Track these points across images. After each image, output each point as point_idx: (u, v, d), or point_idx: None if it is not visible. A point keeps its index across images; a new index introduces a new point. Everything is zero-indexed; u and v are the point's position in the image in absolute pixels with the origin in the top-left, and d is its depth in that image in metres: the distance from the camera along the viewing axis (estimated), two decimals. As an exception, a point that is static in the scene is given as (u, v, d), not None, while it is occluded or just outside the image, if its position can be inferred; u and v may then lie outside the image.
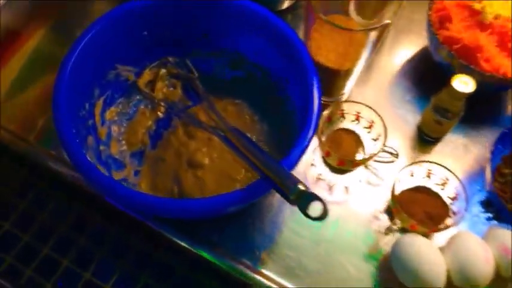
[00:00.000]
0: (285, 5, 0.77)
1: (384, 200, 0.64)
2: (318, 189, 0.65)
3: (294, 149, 0.51)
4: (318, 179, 0.65)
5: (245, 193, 0.49)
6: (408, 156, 0.67)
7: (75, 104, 0.56)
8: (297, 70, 0.58)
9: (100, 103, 0.61)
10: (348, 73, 0.64)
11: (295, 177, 0.45)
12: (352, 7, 0.67)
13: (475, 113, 0.64)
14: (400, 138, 0.68)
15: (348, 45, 0.59)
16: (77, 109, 0.56)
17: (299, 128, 0.57)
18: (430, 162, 0.60)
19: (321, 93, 0.55)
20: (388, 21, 0.55)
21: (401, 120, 0.70)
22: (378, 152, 0.60)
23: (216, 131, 0.56)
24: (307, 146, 0.52)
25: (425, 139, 0.68)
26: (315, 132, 0.53)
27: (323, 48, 0.61)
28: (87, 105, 0.58)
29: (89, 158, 0.53)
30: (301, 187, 0.44)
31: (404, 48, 0.77)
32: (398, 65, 0.75)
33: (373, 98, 0.71)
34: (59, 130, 0.50)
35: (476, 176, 0.66)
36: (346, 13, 0.65)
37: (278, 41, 0.60)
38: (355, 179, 0.66)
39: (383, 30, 0.56)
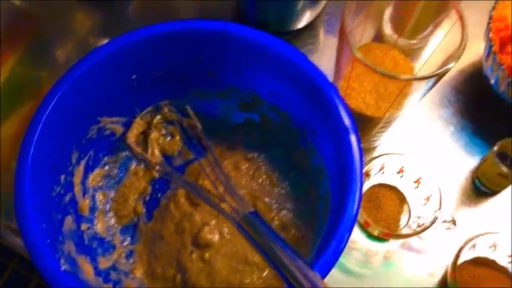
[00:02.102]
0: (302, 23, 0.64)
1: (432, 272, 0.52)
2: (350, 260, 0.53)
3: (326, 250, 0.38)
4: (350, 248, 0.53)
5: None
6: (463, 215, 0.54)
7: (46, 185, 0.43)
8: (327, 125, 0.45)
9: (80, 169, 0.49)
10: (389, 120, 0.50)
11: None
12: (387, 22, 0.55)
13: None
14: (450, 190, 0.55)
15: (392, 87, 0.46)
16: (48, 190, 0.43)
17: (332, 204, 0.45)
18: (498, 233, 0.47)
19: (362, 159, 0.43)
20: (451, 65, 0.42)
21: (451, 164, 0.57)
22: (432, 223, 0.48)
23: (227, 213, 0.43)
24: (346, 240, 0.39)
25: (482, 190, 0.55)
26: (356, 218, 0.40)
27: (358, 89, 0.48)
28: (62, 178, 0.46)
29: (65, 252, 0.42)
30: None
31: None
32: (441, 89, 0.61)
33: (412, 134, 0.58)
34: (26, 238, 0.38)
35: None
36: (384, 38, 0.52)
37: (300, 84, 0.46)
38: (396, 244, 0.53)
39: (443, 74, 0.43)
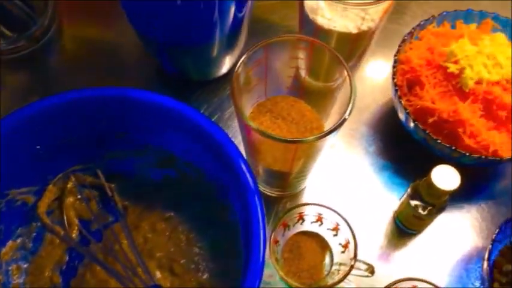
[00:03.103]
0: (224, 70, 0.64)
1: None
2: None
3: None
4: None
5: None
6: (387, 257, 0.54)
7: None
8: (236, 184, 0.45)
9: (-10, 245, 0.47)
10: (302, 170, 0.50)
11: None
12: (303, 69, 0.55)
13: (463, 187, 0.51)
14: (374, 232, 0.55)
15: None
16: None
17: (244, 261, 0.44)
18: (415, 279, 0.47)
19: (265, 218, 0.43)
20: (346, 116, 0.42)
21: (374, 205, 0.57)
22: (348, 273, 0.48)
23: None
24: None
25: (404, 230, 0.55)
26: (261, 275, 0.40)
27: (265, 144, 0.48)
28: (-33, 260, 0.45)
29: None
30: None
31: (369, 102, 0.63)
32: (360, 128, 0.62)
33: (334, 176, 0.59)
34: None
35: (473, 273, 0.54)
36: (292, 91, 0.52)
37: (210, 146, 0.47)
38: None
39: (340, 125, 0.42)
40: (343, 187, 0.58)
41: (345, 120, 0.43)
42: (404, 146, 0.58)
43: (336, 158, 0.59)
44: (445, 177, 0.46)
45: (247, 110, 0.51)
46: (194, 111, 0.47)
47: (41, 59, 0.68)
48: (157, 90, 0.64)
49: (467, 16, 0.57)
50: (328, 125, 0.50)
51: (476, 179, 0.57)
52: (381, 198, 0.57)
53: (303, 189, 0.59)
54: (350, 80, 0.42)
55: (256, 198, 0.43)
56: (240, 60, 0.43)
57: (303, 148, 0.44)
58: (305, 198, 0.58)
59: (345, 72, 0.43)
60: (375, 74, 0.64)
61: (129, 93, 0.47)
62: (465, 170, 0.50)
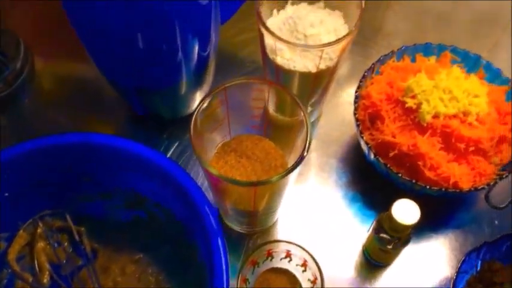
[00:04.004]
0: (195, 106, 0.64)
1: None
2: None
3: None
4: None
5: None
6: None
7: None
8: (201, 227, 0.46)
9: (-43, 295, 0.48)
10: (269, 207, 0.51)
11: None
12: (270, 105, 0.56)
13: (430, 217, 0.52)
14: (344, 264, 0.56)
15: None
16: None
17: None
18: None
19: (228, 260, 0.43)
20: (304, 154, 0.43)
21: (344, 237, 0.58)
22: (315, 309, 0.48)
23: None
24: None
25: (372, 263, 0.56)
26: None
27: (228, 189, 0.49)
28: None
29: None
30: None
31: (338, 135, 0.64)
32: (329, 161, 0.63)
33: (307, 208, 0.59)
34: None
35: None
36: (258, 129, 0.53)
37: (176, 190, 0.48)
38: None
39: (297, 164, 0.43)
40: (315, 220, 0.59)
41: (302, 158, 0.44)
42: (373, 178, 0.59)
43: (307, 191, 0.60)
44: (406, 211, 0.47)
45: (212, 150, 0.52)
46: (159, 155, 0.48)
47: (15, 102, 0.68)
48: (130, 127, 0.67)
49: (427, 49, 0.58)
50: (291, 161, 0.51)
51: (443, 209, 0.58)
52: (351, 230, 0.58)
53: (274, 223, 0.59)
54: (306, 121, 0.43)
55: (219, 240, 0.44)
56: (198, 108, 0.44)
57: (263, 188, 0.45)
58: (277, 232, 0.59)
59: (301, 113, 0.44)
60: (343, 107, 0.66)
61: (92, 139, 0.48)
62: (431, 201, 0.51)
